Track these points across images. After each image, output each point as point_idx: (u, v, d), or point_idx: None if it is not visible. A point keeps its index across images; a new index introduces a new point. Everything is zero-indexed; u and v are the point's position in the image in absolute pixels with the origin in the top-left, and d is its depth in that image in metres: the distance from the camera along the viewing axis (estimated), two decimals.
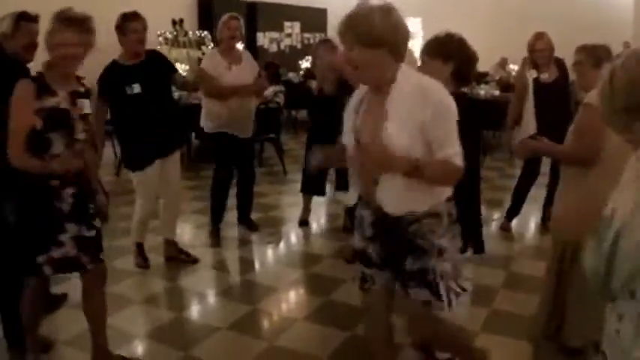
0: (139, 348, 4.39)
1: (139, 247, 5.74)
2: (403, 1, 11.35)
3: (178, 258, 5.83)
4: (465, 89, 3.95)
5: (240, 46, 6.55)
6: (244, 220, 6.81)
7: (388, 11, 2.78)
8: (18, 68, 4.06)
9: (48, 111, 3.45)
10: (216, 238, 6.45)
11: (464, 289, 3.19)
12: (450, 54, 3.54)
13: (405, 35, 2.82)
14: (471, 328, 4.39)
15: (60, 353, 4.11)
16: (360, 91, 3.06)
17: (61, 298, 4.92)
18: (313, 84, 6.69)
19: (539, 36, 6.22)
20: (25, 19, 4.23)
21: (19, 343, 4.11)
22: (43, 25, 3.70)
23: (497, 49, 12.99)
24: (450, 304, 3.05)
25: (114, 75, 5.23)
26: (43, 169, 3.45)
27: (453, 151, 2.81)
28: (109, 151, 9.68)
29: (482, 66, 11.35)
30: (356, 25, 2.75)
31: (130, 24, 5.21)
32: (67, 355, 4.11)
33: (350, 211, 5.90)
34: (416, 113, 2.76)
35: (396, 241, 3.03)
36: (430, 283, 3.00)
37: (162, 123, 5.35)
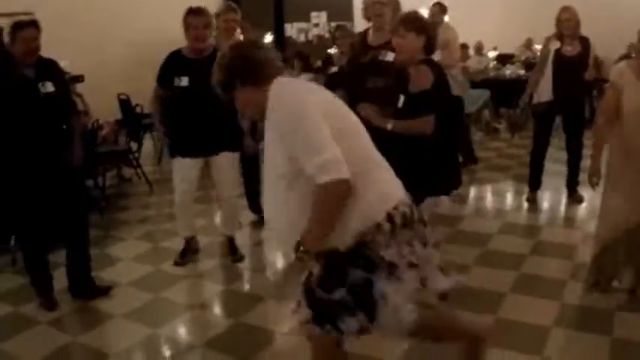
0: (191, 317, 4.74)
1: (186, 243, 5.78)
2: None
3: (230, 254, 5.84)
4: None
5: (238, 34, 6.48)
6: (254, 207, 6.75)
7: (224, 54, 2.89)
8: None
9: None
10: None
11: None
12: (423, 28, 4.17)
13: (252, 62, 2.79)
14: (499, 290, 4.73)
15: None
16: None
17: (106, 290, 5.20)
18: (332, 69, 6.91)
19: (566, 8, 6.61)
20: (19, 29, 4.70)
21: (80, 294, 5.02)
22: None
23: (523, 31, 13.13)
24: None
25: (169, 64, 5.36)
26: None
27: (313, 165, 2.49)
28: (149, 143, 10.10)
29: (507, 47, 11.59)
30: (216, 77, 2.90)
31: (189, 19, 5.28)
32: None
33: None
34: (274, 132, 2.67)
35: None
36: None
37: (206, 121, 5.32)
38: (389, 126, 4.18)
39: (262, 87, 2.74)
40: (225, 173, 5.60)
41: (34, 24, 4.77)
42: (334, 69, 6.69)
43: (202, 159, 5.51)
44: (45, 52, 4.81)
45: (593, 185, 4.49)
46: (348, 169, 2.50)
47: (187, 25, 5.27)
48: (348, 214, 2.60)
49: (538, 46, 14.32)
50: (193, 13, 5.29)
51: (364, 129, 2.87)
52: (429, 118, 4.09)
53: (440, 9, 8.46)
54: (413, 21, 4.20)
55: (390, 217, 2.65)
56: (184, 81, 5.26)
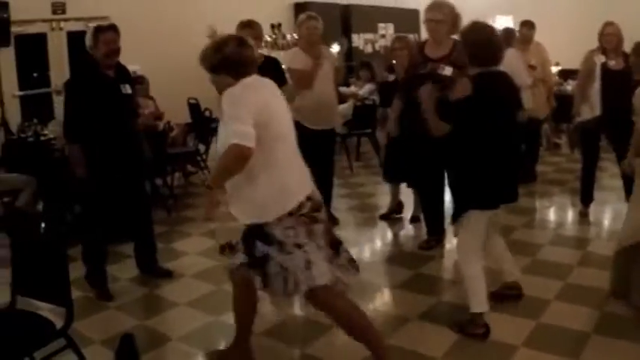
0: None
1: None
2: (495, 0, 11.68)
3: None
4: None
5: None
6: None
7: (224, 41, 3.65)
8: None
9: None
10: None
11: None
12: (463, 38, 4.33)
13: (243, 60, 3.59)
14: (544, 297, 4.91)
15: (173, 348, 4.47)
16: None
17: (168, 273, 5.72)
18: (390, 77, 7.13)
19: (609, 22, 6.69)
20: (100, 31, 5.12)
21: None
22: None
23: (586, 46, 13.11)
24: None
25: None
26: None
27: (231, 131, 3.31)
28: (216, 146, 10.45)
29: (570, 63, 11.59)
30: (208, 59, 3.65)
31: (238, 31, 5.74)
32: (181, 351, 4.43)
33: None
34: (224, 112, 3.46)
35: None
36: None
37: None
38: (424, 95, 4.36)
39: (237, 80, 3.55)
40: None
41: (113, 27, 5.19)
42: (391, 77, 6.93)
43: None
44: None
45: None
46: (263, 157, 3.40)
47: None
48: (261, 198, 3.51)
49: None
50: (242, 25, 5.84)
51: (293, 139, 3.72)
52: (445, 124, 4.16)
53: (530, 27, 8.55)
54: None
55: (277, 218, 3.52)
56: None
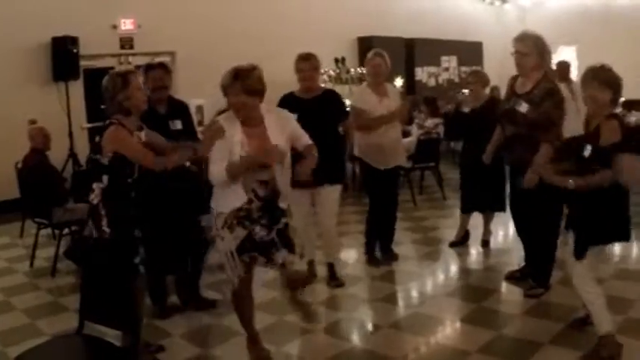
0: (311, 339, 5.12)
1: (309, 265, 6.29)
2: (558, 31, 11.78)
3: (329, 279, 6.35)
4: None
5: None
6: (384, 250, 7.00)
7: (260, 70, 4.43)
8: None
9: None
10: (374, 260, 6.86)
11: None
12: (612, 83, 4.35)
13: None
14: None
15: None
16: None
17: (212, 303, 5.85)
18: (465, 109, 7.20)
19: None
20: (149, 69, 5.46)
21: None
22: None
23: None
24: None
25: (285, 104, 5.73)
26: None
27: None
28: None
29: (634, 93, 11.39)
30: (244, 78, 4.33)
31: (298, 64, 5.91)
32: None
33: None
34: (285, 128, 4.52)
35: None
36: None
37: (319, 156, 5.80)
38: (570, 184, 4.32)
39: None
40: (325, 204, 6.10)
41: (162, 66, 5.53)
42: (466, 110, 7.08)
43: (309, 190, 5.92)
44: (184, 91, 5.33)
45: None
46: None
47: (297, 69, 5.93)
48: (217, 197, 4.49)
49: None
50: (302, 58, 5.93)
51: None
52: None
53: None
54: (599, 75, 4.40)
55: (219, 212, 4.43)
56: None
